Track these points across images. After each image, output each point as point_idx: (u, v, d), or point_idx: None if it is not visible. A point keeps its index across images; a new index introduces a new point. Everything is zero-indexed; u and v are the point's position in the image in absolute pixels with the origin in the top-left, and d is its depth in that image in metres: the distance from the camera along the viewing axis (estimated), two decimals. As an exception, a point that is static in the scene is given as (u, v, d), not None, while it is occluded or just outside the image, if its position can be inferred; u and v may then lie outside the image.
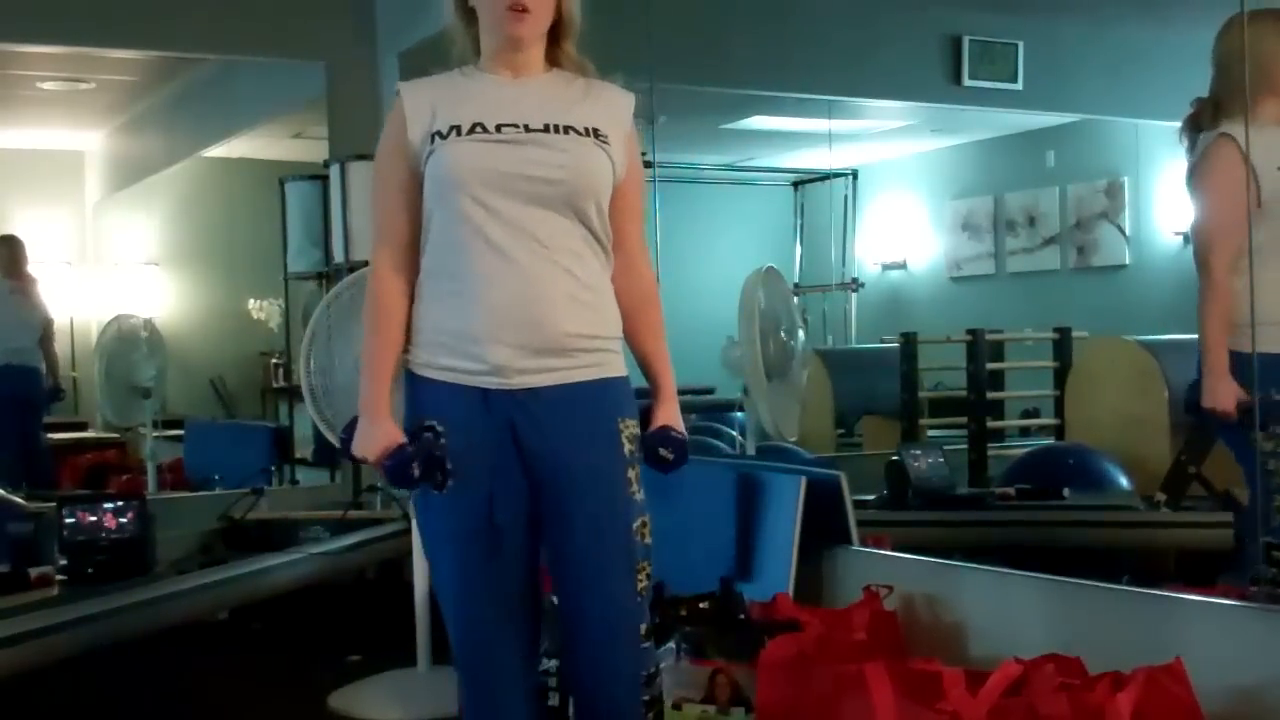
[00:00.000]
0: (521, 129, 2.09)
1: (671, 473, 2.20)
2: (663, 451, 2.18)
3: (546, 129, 2.10)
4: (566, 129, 2.10)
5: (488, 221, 2.06)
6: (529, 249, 2.06)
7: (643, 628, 2.14)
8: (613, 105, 2.17)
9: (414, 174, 2.13)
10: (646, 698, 2.15)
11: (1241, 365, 2.76)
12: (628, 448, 2.12)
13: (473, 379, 2.09)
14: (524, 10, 2.10)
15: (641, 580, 2.13)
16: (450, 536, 2.15)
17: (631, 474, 2.13)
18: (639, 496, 2.14)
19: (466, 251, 2.07)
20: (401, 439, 2.09)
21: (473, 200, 2.06)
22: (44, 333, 6.02)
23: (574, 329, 2.08)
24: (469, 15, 2.18)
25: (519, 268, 2.05)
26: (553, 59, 2.18)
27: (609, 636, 2.13)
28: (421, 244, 2.14)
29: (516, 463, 2.10)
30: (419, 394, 2.14)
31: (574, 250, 2.09)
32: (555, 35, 2.16)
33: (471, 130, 2.09)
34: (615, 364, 2.16)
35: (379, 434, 2.10)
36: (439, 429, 2.08)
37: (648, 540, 2.14)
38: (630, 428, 2.14)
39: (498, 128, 2.09)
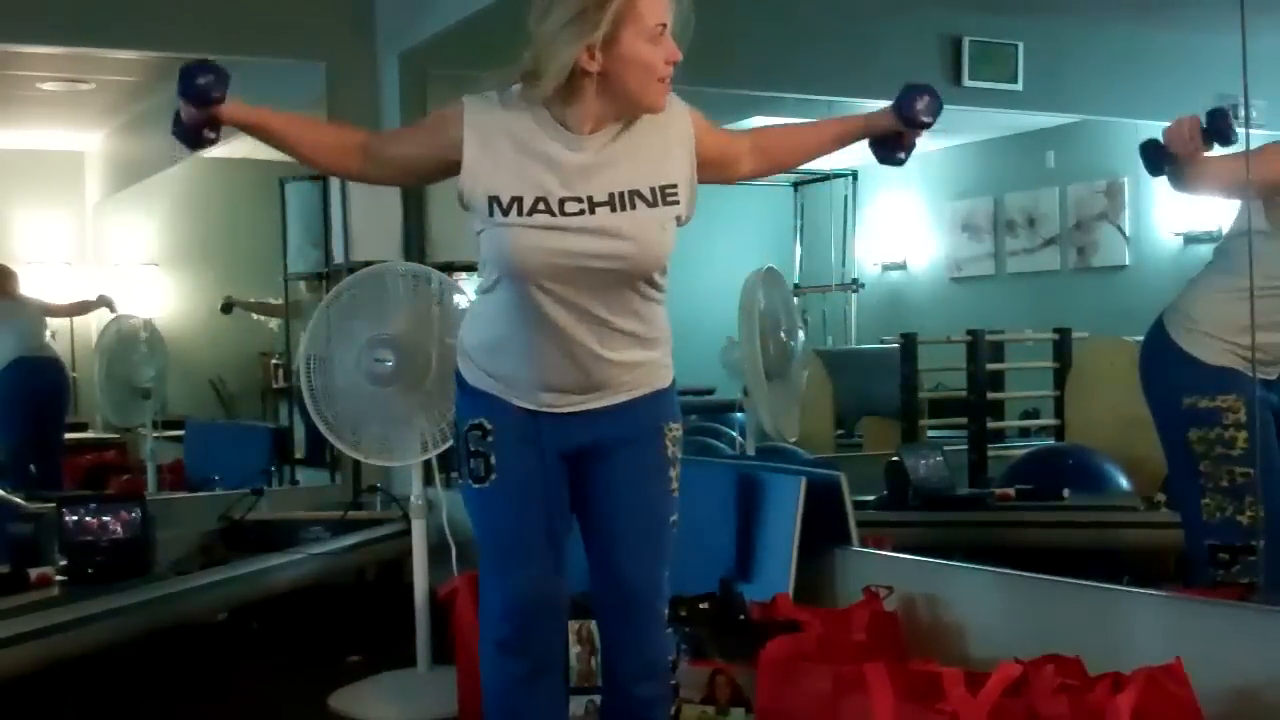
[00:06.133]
0: (585, 204, 2.05)
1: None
2: (919, 106, 2.18)
3: (611, 202, 2.06)
4: (631, 197, 2.07)
5: (551, 305, 2.10)
6: (588, 327, 2.12)
7: (666, 613, 2.27)
8: (679, 134, 2.13)
9: (430, 159, 2.17)
10: (673, 683, 2.23)
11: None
12: (670, 450, 2.21)
13: (522, 401, 2.18)
14: (666, 79, 2.06)
15: (666, 571, 2.24)
16: (498, 528, 2.24)
17: (673, 473, 2.21)
18: (676, 494, 2.23)
19: (528, 324, 2.12)
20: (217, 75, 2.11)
21: (536, 288, 2.09)
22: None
23: (626, 374, 2.17)
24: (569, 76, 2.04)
25: (577, 343, 2.12)
26: None
27: (648, 620, 2.24)
28: (479, 263, 2.19)
29: (564, 470, 2.20)
30: (470, 400, 2.22)
31: (633, 310, 2.14)
32: None
33: (534, 208, 2.06)
34: (663, 376, 2.23)
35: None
36: (487, 426, 2.17)
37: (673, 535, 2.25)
38: (674, 431, 2.22)
39: (561, 205, 2.06)
